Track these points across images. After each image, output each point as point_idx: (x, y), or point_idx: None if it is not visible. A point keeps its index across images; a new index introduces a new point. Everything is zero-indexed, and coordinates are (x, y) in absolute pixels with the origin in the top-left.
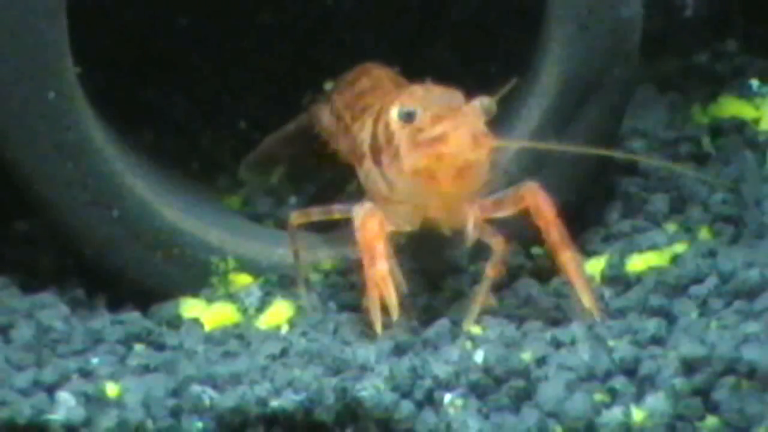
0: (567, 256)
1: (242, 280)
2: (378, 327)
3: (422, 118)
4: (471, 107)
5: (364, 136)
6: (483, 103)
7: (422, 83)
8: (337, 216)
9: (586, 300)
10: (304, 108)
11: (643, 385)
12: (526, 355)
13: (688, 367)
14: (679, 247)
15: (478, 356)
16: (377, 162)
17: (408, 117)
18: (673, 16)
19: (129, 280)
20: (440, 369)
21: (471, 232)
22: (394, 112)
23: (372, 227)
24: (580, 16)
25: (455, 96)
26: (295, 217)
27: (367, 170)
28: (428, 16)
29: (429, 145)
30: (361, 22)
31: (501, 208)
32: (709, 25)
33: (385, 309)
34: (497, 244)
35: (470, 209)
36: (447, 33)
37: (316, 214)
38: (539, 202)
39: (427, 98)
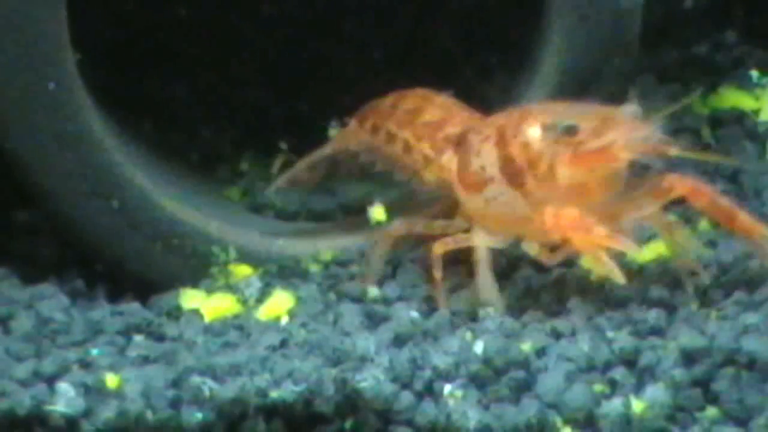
0: (743, 217)
1: (242, 270)
2: (619, 277)
3: (584, 130)
4: (622, 115)
5: (485, 161)
6: (630, 110)
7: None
8: (437, 232)
9: None
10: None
11: (643, 376)
12: (526, 346)
13: (688, 357)
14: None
15: (478, 347)
16: (517, 184)
17: (570, 131)
18: (673, 6)
19: (129, 270)
20: (440, 360)
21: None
22: (534, 131)
23: (568, 214)
24: (580, 7)
25: (600, 107)
26: (397, 228)
27: (493, 195)
28: (428, 6)
29: (598, 155)
30: (361, 12)
31: (640, 207)
32: (709, 15)
33: None
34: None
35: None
36: (447, 23)
37: (419, 226)
38: (693, 185)
39: (573, 112)
